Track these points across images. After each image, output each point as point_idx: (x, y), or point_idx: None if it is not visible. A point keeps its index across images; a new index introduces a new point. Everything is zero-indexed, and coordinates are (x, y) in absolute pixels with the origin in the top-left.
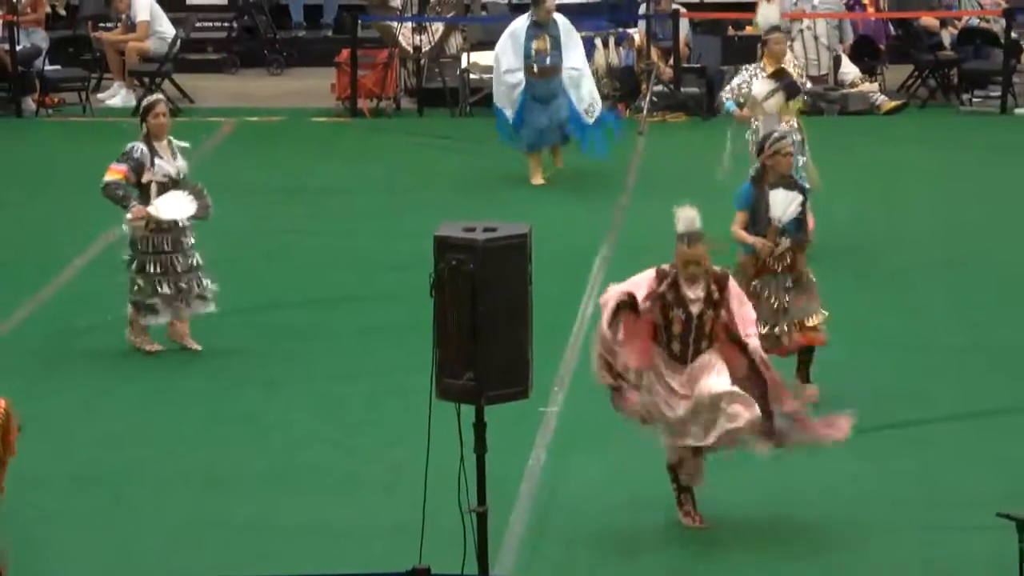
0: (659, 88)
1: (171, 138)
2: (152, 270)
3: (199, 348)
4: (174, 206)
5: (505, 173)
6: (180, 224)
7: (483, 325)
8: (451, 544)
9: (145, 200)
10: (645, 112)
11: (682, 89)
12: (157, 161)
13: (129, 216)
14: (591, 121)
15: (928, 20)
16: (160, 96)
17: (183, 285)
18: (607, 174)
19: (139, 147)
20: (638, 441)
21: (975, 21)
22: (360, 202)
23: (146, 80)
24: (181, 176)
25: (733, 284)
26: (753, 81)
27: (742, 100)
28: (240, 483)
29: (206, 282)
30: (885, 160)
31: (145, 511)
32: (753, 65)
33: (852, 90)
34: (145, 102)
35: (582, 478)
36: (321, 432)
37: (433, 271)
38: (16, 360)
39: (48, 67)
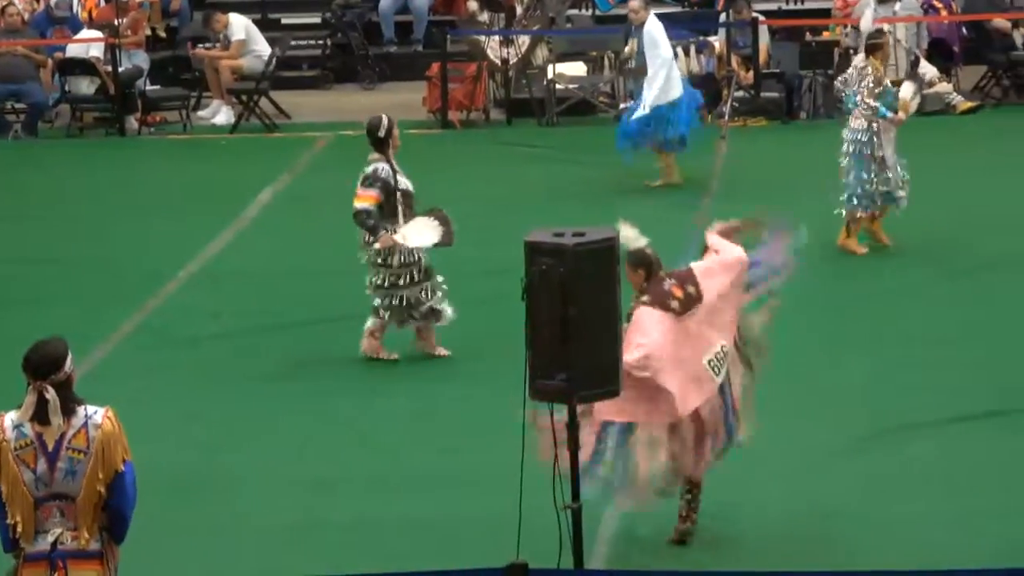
0: (740, 94)
1: None
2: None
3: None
4: (420, 234)
5: (590, 179)
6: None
7: (574, 327)
8: (547, 540)
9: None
10: (727, 117)
11: (762, 94)
12: (399, 178)
13: (378, 245)
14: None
15: (1000, 22)
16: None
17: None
18: (691, 178)
19: (383, 167)
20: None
21: None
22: (452, 210)
23: (244, 97)
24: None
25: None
26: (892, 84)
27: (887, 104)
28: (342, 484)
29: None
30: (960, 159)
31: (249, 516)
32: (860, 68)
33: (929, 90)
34: (386, 121)
35: None
36: (420, 433)
37: (524, 276)
38: (124, 370)
39: (149, 87)
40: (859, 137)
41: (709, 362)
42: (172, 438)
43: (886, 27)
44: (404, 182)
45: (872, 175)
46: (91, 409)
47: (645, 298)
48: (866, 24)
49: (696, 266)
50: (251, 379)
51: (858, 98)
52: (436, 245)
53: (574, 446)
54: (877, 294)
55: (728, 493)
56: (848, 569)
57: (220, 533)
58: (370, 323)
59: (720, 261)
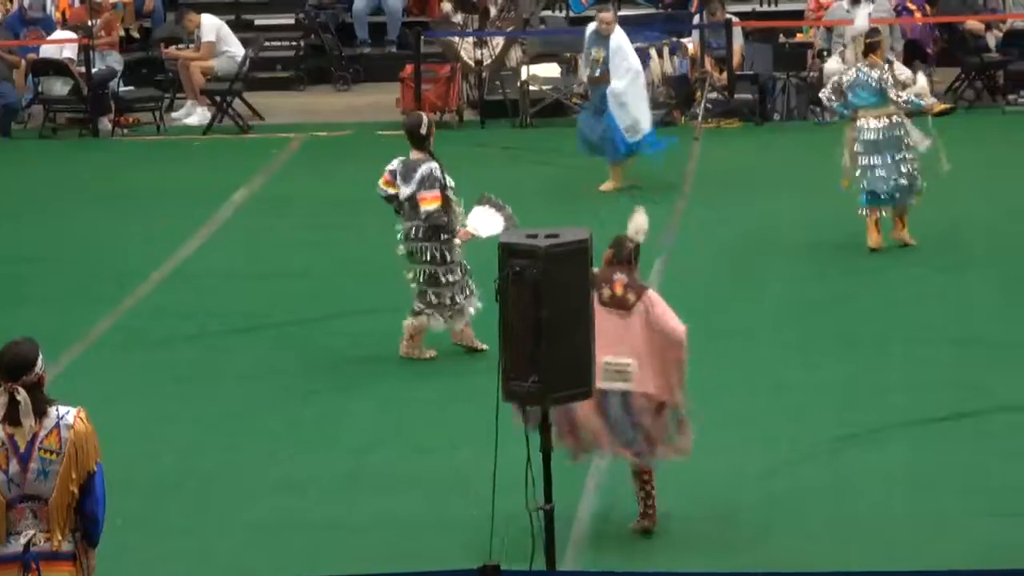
0: (713, 95)
1: None
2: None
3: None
4: (488, 223)
5: (565, 180)
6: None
7: (546, 329)
8: (519, 541)
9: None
10: (700, 119)
11: (736, 96)
12: (445, 174)
13: (459, 241)
14: (634, 139)
15: (974, 24)
16: None
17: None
18: (664, 179)
19: (435, 166)
20: (696, 435)
21: (1020, 24)
22: None
23: (217, 98)
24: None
25: None
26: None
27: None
28: (315, 486)
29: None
30: (935, 160)
31: (226, 515)
32: (862, 65)
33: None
34: (426, 118)
35: None
36: (393, 434)
37: (498, 277)
38: (97, 370)
39: (123, 88)
40: (894, 132)
41: (606, 362)
42: (145, 439)
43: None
44: (448, 178)
45: (905, 165)
46: (63, 410)
47: (594, 270)
48: (861, 24)
49: (652, 292)
50: (224, 380)
51: (897, 94)
52: (505, 231)
53: (547, 447)
54: (852, 295)
55: (701, 492)
56: (821, 569)
57: (194, 534)
58: (412, 322)
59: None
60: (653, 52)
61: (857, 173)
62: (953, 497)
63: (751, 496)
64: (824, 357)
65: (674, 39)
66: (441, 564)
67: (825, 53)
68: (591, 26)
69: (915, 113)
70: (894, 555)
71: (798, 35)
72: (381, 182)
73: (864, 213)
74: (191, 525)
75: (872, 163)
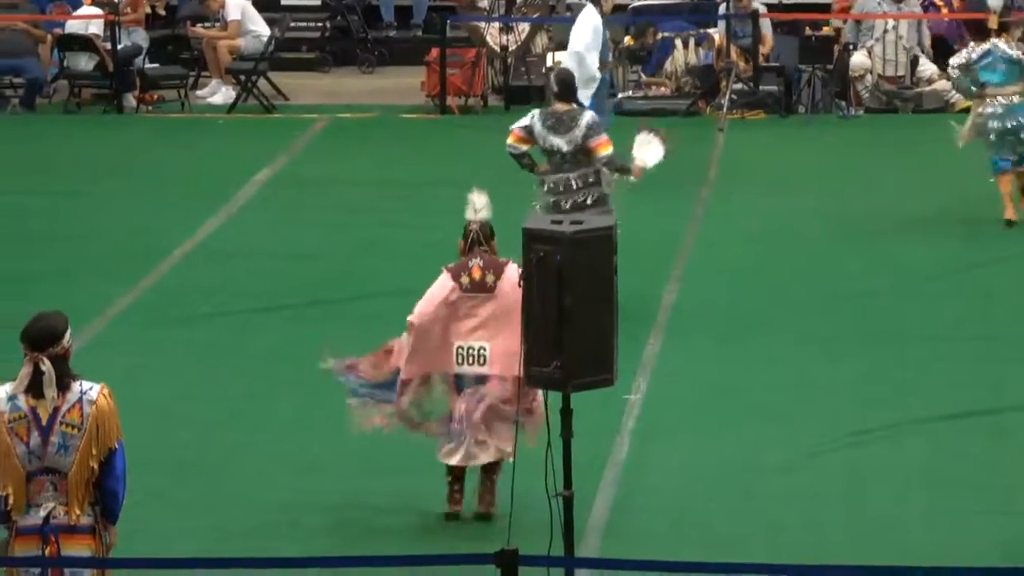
0: (738, 86)
1: None
2: None
3: None
4: (651, 152)
5: None
6: None
7: (570, 314)
8: (538, 527)
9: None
10: (725, 109)
11: (761, 87)
12: None
13: (633, 178)
14: None
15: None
16: None
17: None
18: (689, 169)
19: (594, 114)
20: (716, 428)
21: None
22: (448, 195)
23: (242, 78)
24: None
25: None
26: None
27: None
28: (333, 466)
29: None
30: (958, 156)
31: (242, 494)
32: (998, 41)
33: (927, 88)
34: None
35: (663, 463)
36: None
37: (521, 262)
38: (117, 347)
39: (148, 65)
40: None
41: (458, 346)
42: (166, 416)
43: (890, 23)
44: None
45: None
46: (86, 385)
47: (450, 264)
48: (996, 1)
49: (513, 265)
50: (245, 359)
51: None
52: (665, 157)
53: (568, 434)
54: (874, 290)
55: (718, 484)
56: (837, 563)
57: (214, 511)
58: None
59: None
60: (679, 42)
61: (989, 139)
62: (969, 494)
63: (768, 489)
64: (845, 352)
65: (700, 29)
66: (459, 548)
67: (851, 47)
68: (595, 11)
69: None
70: (909, 551)
71: (824, 28)
72: (511, 139)
73: (996, 180)
74: (209, 502)
75: (1005, 127)
